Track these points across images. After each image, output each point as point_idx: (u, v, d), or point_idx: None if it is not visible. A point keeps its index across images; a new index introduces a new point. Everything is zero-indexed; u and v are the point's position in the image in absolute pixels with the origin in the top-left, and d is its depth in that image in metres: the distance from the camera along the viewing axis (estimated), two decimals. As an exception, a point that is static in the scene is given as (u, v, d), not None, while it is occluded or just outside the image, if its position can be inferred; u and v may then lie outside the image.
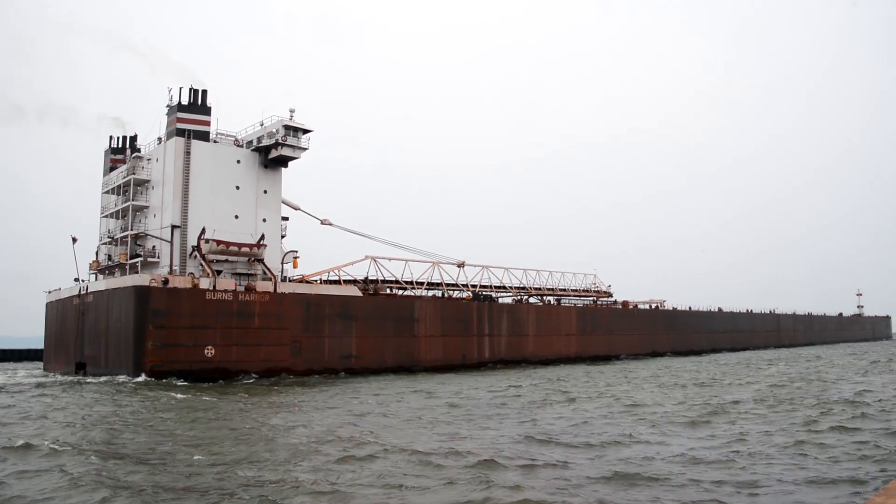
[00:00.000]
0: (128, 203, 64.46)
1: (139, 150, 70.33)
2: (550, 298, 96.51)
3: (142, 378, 52.24)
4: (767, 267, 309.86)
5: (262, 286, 59.93)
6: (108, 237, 67.73)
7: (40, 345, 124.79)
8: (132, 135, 75.21)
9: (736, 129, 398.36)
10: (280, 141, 64.01)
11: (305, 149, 65.59)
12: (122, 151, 73.37)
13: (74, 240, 67.43)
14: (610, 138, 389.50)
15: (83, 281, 67.28)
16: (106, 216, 70.22)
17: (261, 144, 65.81)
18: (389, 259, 77.15)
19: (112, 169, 73.21)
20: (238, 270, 62.17)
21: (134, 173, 64.52)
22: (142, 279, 54.95)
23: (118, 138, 75.40)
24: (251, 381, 55.50)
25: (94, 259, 70.06)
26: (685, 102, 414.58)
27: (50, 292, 73.23)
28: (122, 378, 53.41)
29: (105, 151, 75.85)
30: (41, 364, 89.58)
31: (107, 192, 71.09)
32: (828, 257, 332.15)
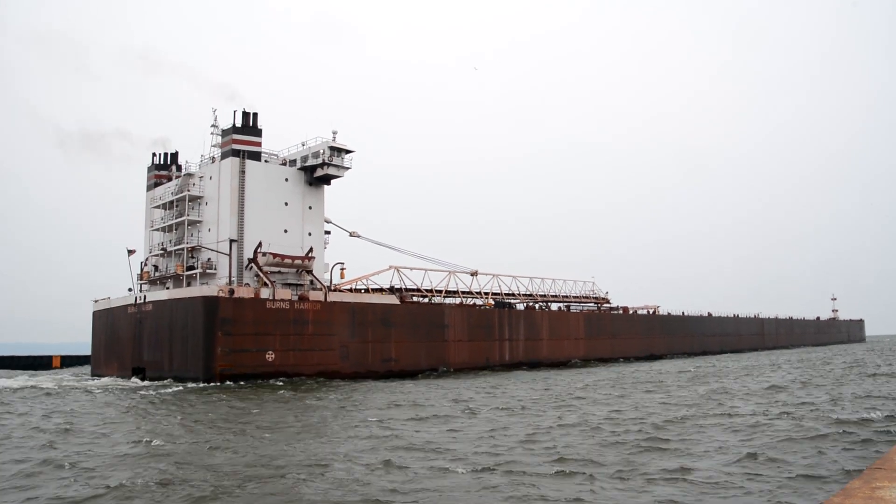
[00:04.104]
0: (182, 218, 68.92)
1: (181, 167, 74.88)
2: (560, 305, 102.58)
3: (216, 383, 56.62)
4: (753, 272, 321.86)
5: (314, 295, 64.86)
6: (161, 249, 71.89)
7: (42, 351, 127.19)
8: (173, 152, 79.63)
9: (726, 136, 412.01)
10: (326, 161, 69.12)
11: (349, 168, 70.80)
12: (167, 168, 77.65)
13: (130, 252, 71.59)
14: (598, 142, 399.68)
15: (138, 291, 71.35)
16: (156, 229, 74.33)
17: (306, 164, 70.80)
18: (411, 269, 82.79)
19: (157, 185, 77.44)
20: (288, 281, 66.97)
21: (188, 190, 69.00)
22: (210, 290, 59.59)
23: (160, 155, 79.63)
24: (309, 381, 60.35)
25: (144, 270, 74.14)
26: (679, 105, 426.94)
27: (97, 301, 77.07)
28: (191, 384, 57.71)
29: (148, 168, 79.97)
30: (53, 372, 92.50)
31: (156, 207, 75.24)
32: (803, 264, 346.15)
